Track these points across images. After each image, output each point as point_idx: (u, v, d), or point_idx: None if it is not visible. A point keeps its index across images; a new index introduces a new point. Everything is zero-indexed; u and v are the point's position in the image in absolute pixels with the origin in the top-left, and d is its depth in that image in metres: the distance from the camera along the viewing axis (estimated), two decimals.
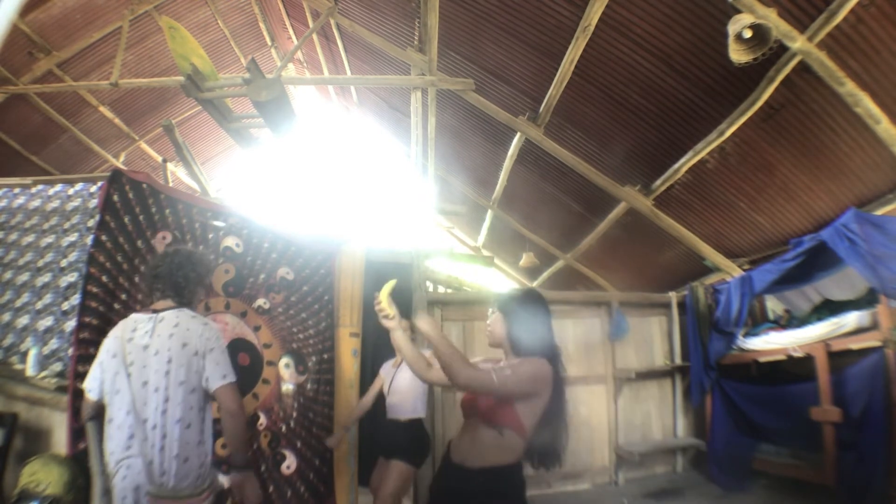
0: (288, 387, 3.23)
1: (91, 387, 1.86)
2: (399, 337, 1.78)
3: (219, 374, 1.83)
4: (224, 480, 2.13)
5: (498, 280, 9.57)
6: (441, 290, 6.26)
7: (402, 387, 3.12)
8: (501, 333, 1.74)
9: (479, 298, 4.84)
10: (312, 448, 3.19)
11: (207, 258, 2.15)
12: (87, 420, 1.92)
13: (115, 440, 1.73)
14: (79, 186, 3.34)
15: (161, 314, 1.86)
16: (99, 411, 1.87)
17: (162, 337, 1.81)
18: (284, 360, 3.27)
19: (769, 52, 2.95)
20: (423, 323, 1.62)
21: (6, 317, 2.96)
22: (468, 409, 1.73)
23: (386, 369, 3.32)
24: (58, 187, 3.38)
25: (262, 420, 3.04)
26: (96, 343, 2.55)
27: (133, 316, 1.91)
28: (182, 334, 1.81)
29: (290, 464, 3.07)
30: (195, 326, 1.85)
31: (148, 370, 1.77)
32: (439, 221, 9.12)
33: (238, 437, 1.87)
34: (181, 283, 1.95)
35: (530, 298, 1.80)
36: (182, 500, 1.73)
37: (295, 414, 3.19)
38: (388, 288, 1.77)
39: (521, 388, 1.58)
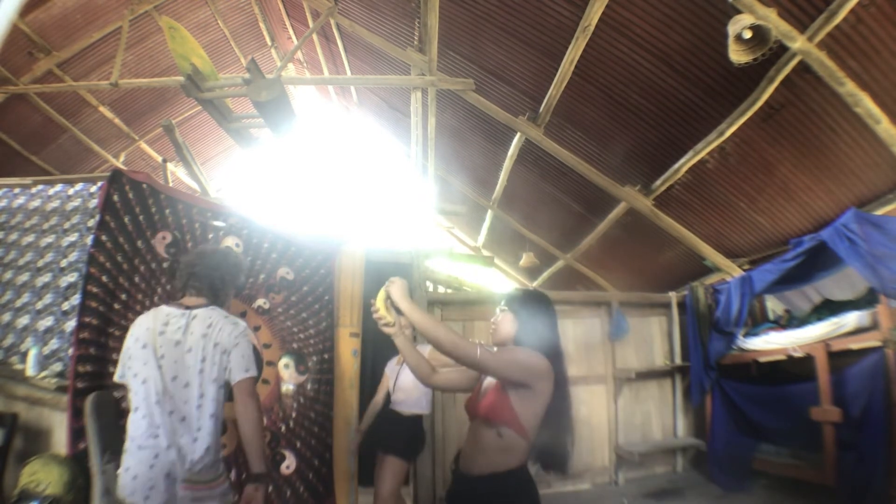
0: (287, 387, 3.23)
1: (119, 372, 1.89)
2: (402, 343, 1.75)
3: (242, 367, 1.89)
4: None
5: (498, 280, 9.57)
6: (441, 290, 6.26)
7: (407, 384, 3.14)
8: (508, 333, 1.72)
9: (479, 298, 4.84)
10: (312, 448, 3.19)
11: (242, 259, 2.17)
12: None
13: (139, 427, 1.75)
14: (79, 186, 3.34)
15: (194, 311, 1.90)
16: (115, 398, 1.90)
17: (195, 335, 1.85)
18: (284, 361, 3.27)
19: (769, 52, 2.95)
20: (395, 289, 1.64)
21: (6, 317, 2.96)
22: (470, 410, 1.73)
23: (390, 367, 3.35)
24: (58, 187, 3.37)
25: (262, 419, 3.04)
26: (96, 343, 2.57)
27: (164, 309, 1.92)
28: (215, 334, 1.87)
29: (289, 464, 3.07)
30: (226, 326, 1.90)
31: (179, 366, 1.81)
32: (439, 221, 9.12)
33: (253, 434, 1.88)
34: (217, 284, 2.00)
35: (540, 300, 1.79)
36: (209, 484, 1.81)
37: (294, 414, 3.19)
38: (383, 293, 1.72)
39: (504, 371, 1.57)
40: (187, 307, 1.92)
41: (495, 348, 1.74)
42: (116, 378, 1.90)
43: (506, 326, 1.73)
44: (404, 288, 1.65)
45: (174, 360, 1.81)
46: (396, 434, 3.12)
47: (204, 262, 2.00)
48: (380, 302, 1.70)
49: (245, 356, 1.90)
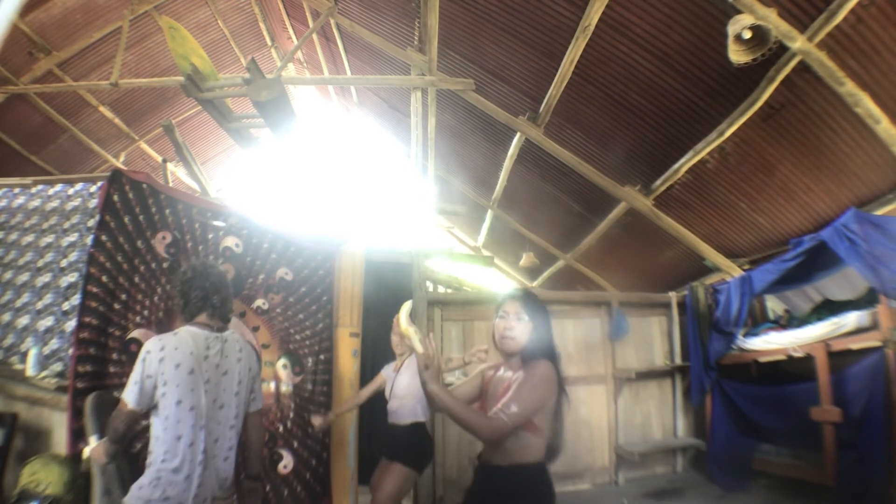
0: (286, 387, 3.23)
1: (137, 399, 1.76)
2: (436, 393, 1.52)
3: (261, 397, 2.10)
4: None
5: (498, 280, 9.57)
6: (441, 290, 6.25)
7: (402, 391, 3.08)
8: (525, 342, 1.68)
9: (479, 298, 4.84)
10: (309, 448, 3.20)
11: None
12: (118, 441, 1.84)
13: (179, 453, 1.73)
14: (79, 186, 3.34)
15: (224, 335, 1.97)
16: (133, 427, 1.85)
17: (230, 359, 1.93)
18: (282, 361, 3.27)
19: (769, 52, 2.95)
20: (427, 376, 1.54)
21: (6, 317, 2.96)
22: None
23: (387, 372, 3.25)
24: (58, 187, 3.38)
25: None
26: (96, 343, 2.57)
27: (198, 332, 1.90)
28: (247, 359, 1.99)
29: (286, 463, 3.07)
30: (251, 351, 2.04)
31: (218, 389, 1.87)
32: (439, 221, 9.12)
33: (260, 450, 2.15)
34: (229, 304, 2.07)
35: (543, 304, 1.77)
36: (229, 499, 1.91)
37: (292, 414, 3.19)
38: (406, 310, 1.64)
39: (531, 410, 1.57)
40: (217, 329, 1.96)
41: (502, 368, 1.75)
42: (139, 407, 1.77)
43: (524, 336, 1.69)
44: (435, 372, 1.55)
45: (215, 383, 1.86)
46: (404, 445, 3.03)
47: (216, 283, 2.00)
48: (407, 325, 1.60)
49: (261, 385, 2.11)
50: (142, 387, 1.77)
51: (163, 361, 1.77)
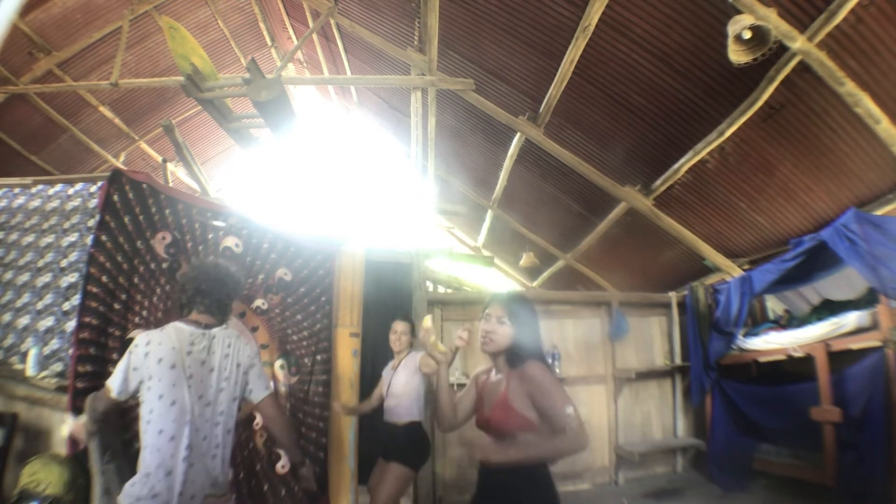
0: (283, 388, 3.24)
1: (120, 388, 1.80)
2: (519, 459, 1.62)
3: (263, 386, 2.01)
4: None
5: (498, 280, 9.57)
6: (441, 290, 6.26)
7: (399, 390, 3.12)
8: (506, 344, 1.73)
9: (479, 298, 4.83)
10: (305, 449, 3.20)
11: (240, 273, 2.18)
12: (96, 420, 1.90)
13: (165, 450, 1.72)
14: (79, 186, 3.34)
15: (212, 331, 1.94)
16: (112, 412, 1.87)
17: (217, 355, 1.90)
18: (280, 362, 3.27)
19: (769, 52, 2.95)
20: (512, 453, 1.61)
21: (7, 317, 2.96)
22: (484, 427, 1.76)
23: (386, 371, 3.34)
24: (58, 187, 3.38)
25: (258, 420, 3.04)
26: (96, 343, 2.57)
27: (183, 328, 1.89)
28: (236, 355, 1.95)
29: (284, 463, 3.07)
30: (242, 346, 1.99)
31: (204, 385, 1.85)
32: (439, 221, 9.12)
33: (288, 437, 2.10)
34: (224, 301, 2.03)
35: (528, 303, 1.80)
36: (223, 497, 1.87)
37: (288, 415, 3.19)
38: (428, 322, 1.78)
39: (570, 401, 1.62)
40: (205, 325, 1.93)
41: (493, 371, 1.81)
42: (121, 396, 1.81)
43: (504, 339, 1.74)
44: (507, 446, 1.65)
45: (200, 379, 1.83)
46: (401, 444, 3.06)
47: (210, 279, 1.99)
48: (442, 350, 1.75)
49: (262, 375, 2.03)
50: (125, 377, 1.80)
51: (147, 356, 1.79)
